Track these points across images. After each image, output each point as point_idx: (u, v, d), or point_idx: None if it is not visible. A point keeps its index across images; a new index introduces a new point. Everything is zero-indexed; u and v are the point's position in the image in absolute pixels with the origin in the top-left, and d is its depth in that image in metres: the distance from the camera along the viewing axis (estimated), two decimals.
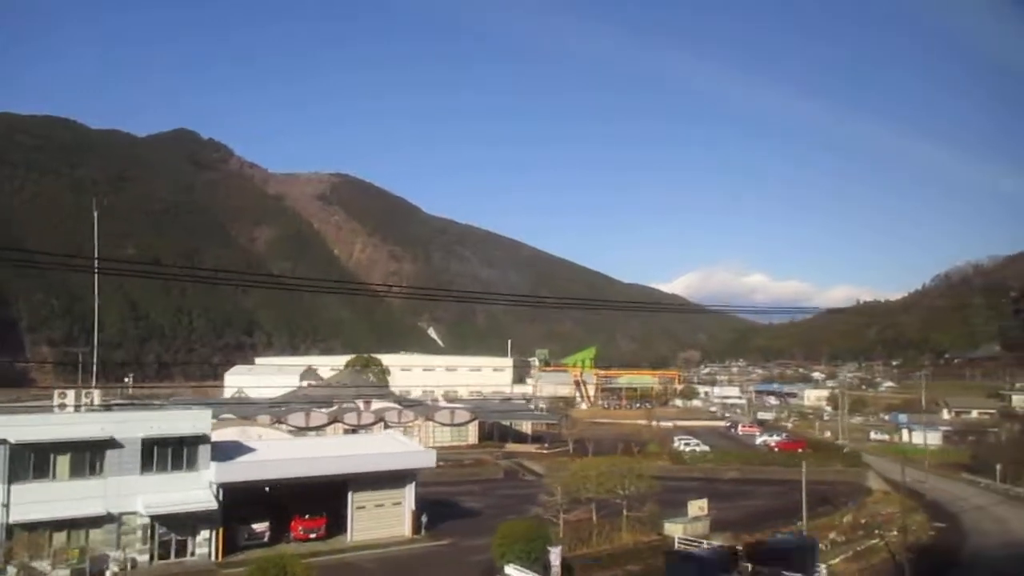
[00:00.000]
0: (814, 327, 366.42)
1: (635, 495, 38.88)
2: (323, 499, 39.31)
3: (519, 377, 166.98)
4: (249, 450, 38.04)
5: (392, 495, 39.40)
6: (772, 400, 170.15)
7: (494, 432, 73.84)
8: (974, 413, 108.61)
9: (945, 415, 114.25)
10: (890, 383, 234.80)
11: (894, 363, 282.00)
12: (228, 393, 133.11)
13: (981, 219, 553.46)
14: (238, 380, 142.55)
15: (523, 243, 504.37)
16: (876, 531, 45.62)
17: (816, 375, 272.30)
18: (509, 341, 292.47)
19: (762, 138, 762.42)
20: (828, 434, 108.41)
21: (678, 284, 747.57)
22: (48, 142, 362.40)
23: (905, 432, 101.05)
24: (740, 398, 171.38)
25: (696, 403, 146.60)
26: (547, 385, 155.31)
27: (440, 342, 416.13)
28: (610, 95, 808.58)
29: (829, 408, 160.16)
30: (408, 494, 39.75)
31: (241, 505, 36.49)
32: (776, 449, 70.84)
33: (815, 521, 46.07)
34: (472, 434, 71.42)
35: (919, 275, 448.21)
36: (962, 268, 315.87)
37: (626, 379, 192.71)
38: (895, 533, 46.29)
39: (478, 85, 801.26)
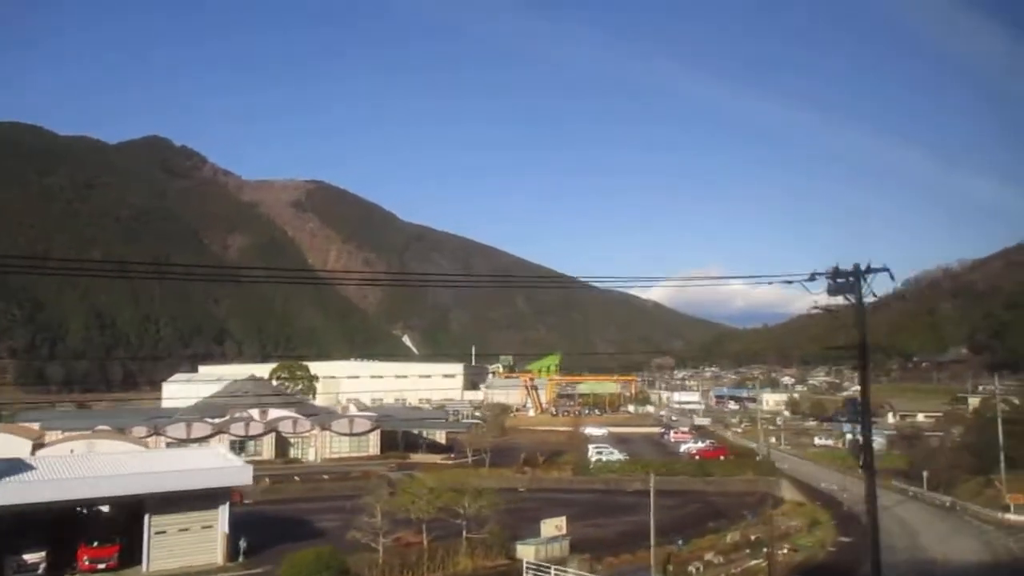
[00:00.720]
0: (787, 331, 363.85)
1: (478, 514, 34.05)
2: (121, 523, 34.23)
3: (472, 384, 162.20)
4: (26, 468, 32.89)
5: (201, 517, 34.33)
6: (732, 405, 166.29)
7: (400, 441, 68.87)
8: (919, 416, 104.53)
9: (890, 418, 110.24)
10: (856, 387, 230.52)
11: None
12: (165, 403, 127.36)
13: (953, 223, 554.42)
14: (176, 389, 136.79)
15: (501, 250, 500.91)
16: (766, 549, 40.99)
17: (785, 379, 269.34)
18: (473, 347, 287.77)
19: (741, 145, 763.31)
20: (773, 440, 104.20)
21: (657, 291, 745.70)
22: (16, 148, 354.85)
23: (849, 437, 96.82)
24: (699, 403, 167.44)
25: (649, 409, 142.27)
26: (498, 392, 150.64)
27: (414, 349, 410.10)
28: (591, 102, 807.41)
29: (787, 412, 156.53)
30: (221, 515, 34.71)
31: (13, 532, 31.35)
32: (697, 457, 66.37)
33: (697, 541, 41.49)
34: (373, 444, 66.41)
35: (897, 278, 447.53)
36: (931, 272, 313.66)
37: (587, 385, 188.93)
38: (787, 550, 41.82)
39: (458, 91, 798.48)
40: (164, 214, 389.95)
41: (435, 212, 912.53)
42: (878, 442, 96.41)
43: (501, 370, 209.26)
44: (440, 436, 73.49)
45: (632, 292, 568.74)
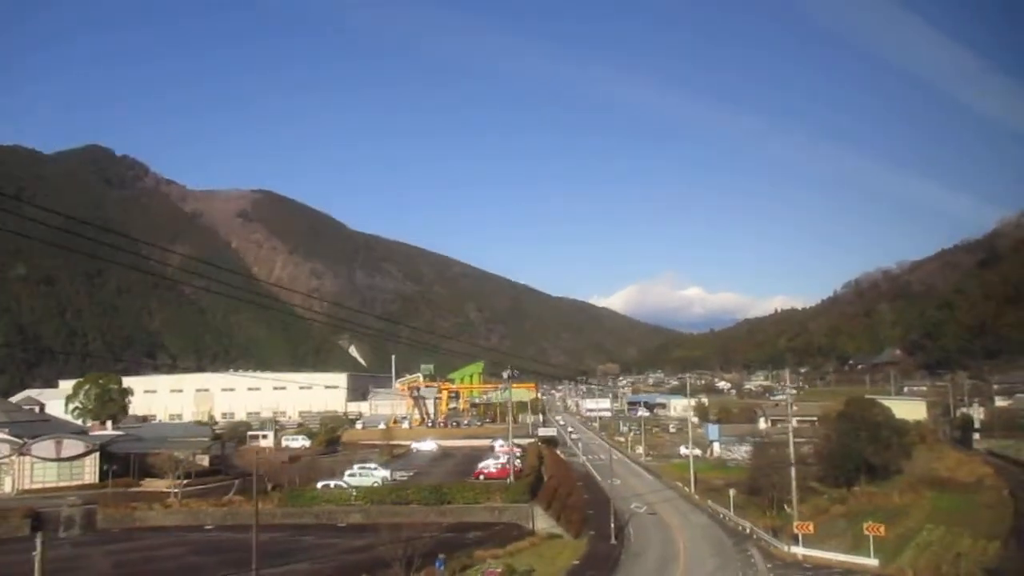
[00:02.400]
0: (733, 337, 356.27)
1: None
2: None
3: (362, 394, 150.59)
4: None
5: None
6: (643, 411, 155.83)
7: (133, 466, 56.73)
8: (794, 421, 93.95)
9: (761, 424, 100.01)
10: (792, 390, 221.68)
11: (802, 370, 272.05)
12: None
13: (900, 226, 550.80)
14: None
15: (453, 259, 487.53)
16: None
17: (721, 384, 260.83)
18: (393, 356, 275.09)
19: (684, 151, 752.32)
20: (639, 449, 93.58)
21: (616, 298, 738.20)
22: None
23: (716, 446, 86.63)
24: (608, 411, 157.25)
25: (538, 417, 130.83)
26: (382, 403, 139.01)
27: (361, 360, 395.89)
28: (540, 112, 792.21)
29: (695, 419, 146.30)
30: None
31: None
32: (482, 477, 55.09)
33: None
34: (90, 470, 54.40)
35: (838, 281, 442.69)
36: (872, 274, 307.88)
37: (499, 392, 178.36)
38: None
39: (407, 101, 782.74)
40: (99, 225, 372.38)
41: (385, 221, 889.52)
42: (743, 451, 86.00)
43: (420, 379, 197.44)
44: (203, 458, 61.55)
45: (588, 300, 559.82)
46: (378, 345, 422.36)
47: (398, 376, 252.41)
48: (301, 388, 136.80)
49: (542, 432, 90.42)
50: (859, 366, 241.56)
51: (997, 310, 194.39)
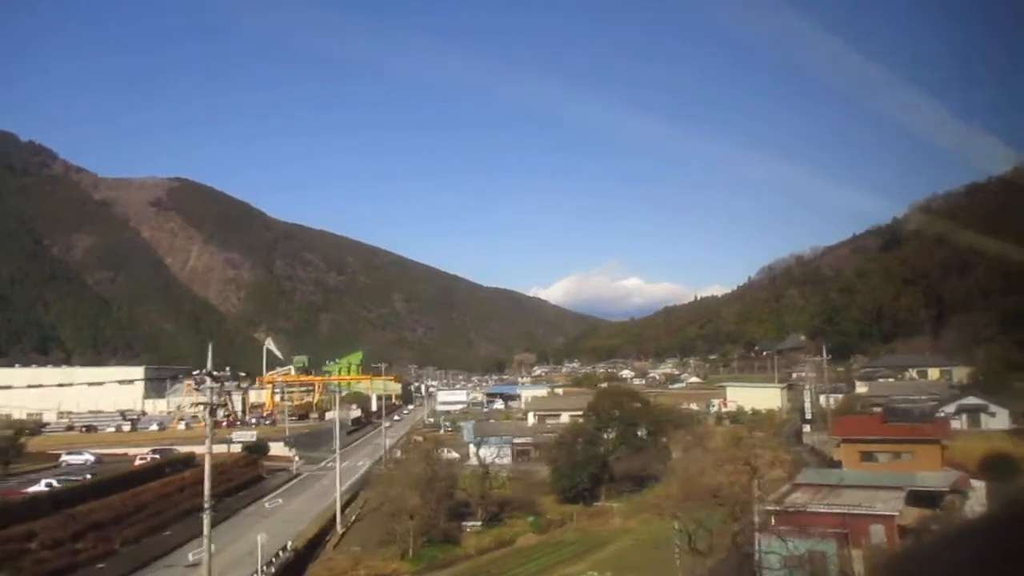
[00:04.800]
0: (651, 325, 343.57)
1: None
2: None
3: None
4: None
5: None
6: (498, 403, 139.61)
7: None
8: (564, 417, 77.36)
9: (531, 419, 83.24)
10: (694, 378, 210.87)
11: (711, 357, 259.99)
12: None
13: (820, 214, 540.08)
14: None
15: (380, 248, 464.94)
16: None
17: (625, 372, 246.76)
18: (265, 347, 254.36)
19: (603, 150, 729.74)
20: (399, 453, 76.20)
21: (555, 289, 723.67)
22: None
23: (474, 450, 69.47)
24: (463, 403, 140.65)
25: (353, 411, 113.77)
26: (186, 399, 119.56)
27: (278, 353, 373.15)
28: (469, 106, 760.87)
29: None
30: None
31: None
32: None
33: None
34: None
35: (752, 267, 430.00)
36: (785, 259, 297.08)
37: (365, 384, 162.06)
38: None
39: (336, 94, 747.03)
40: None
41: (309, 210, 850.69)
42: (484, 455, 69.00)
43: (292, 372, 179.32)
44: None
45: (526, 291, 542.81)
46: (296, 338, 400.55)
47: (269, 368, 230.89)
48: (91, 384, 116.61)
49: (236, 437, 72.54)
50: (764, 352, 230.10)
51: (895, 293, 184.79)
